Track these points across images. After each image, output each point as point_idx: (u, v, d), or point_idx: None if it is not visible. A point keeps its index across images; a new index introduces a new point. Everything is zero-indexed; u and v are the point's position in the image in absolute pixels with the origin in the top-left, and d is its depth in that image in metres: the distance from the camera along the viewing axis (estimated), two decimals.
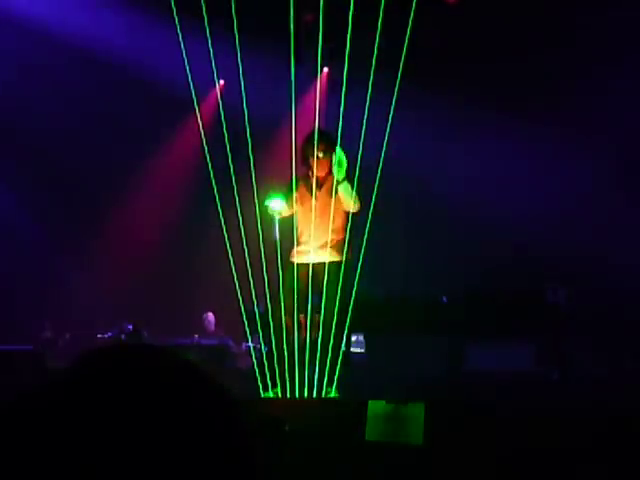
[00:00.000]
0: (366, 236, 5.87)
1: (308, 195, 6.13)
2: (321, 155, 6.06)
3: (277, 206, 6.06)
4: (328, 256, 6.06)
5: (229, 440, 0.85)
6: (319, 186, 6.11)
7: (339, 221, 6.10)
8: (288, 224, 6.17)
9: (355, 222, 6.09)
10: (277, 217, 6.08)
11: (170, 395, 0.83)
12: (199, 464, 0.80)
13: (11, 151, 11.69)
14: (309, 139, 6.10)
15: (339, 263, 5.99)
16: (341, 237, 6.09)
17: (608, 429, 3.98)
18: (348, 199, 5.99)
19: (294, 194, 6.15)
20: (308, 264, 6.05)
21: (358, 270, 5.92)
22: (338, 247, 6.08)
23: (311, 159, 6.10)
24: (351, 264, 6.00)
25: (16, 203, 11.88)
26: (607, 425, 4.01)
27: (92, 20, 11.02)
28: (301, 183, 6.18)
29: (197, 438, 0.82)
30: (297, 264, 6.07)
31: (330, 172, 6.07)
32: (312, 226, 6.08)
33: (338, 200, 6.04)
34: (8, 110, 11.20)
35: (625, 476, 3.81)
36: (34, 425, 0.80)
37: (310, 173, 6.14)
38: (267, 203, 6.05)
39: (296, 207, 6.18)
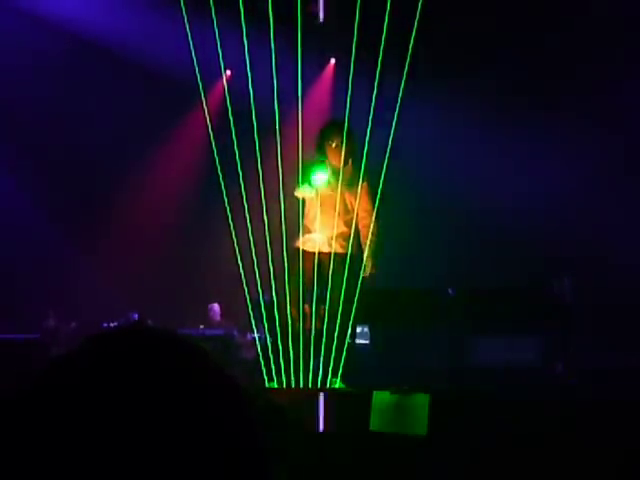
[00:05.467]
0: (372, 228, 5.88)
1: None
2: (334, 145, 6.04)
3: (321, 180, 6.00)
4: (337, 248, 6.06)
5: (237, 429, 0.85)
6: (333, 176, 6.09)
7: (351, 214, 6.09)
8: (293, 210, 6.16)
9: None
10: (307, 195, 6.02)
11: (175, 382, 0.83)
12: (206, 452, 0.80)
13: (11, 134, 11.68)
14: (326, 127, 6.09)
15: (346, 255, 5.99)
16: (350, 230, 6.08)
17: (610, 420, 3.99)
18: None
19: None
20: (314, 253, 6.04)
21: (364, 261, 5.92)
22: (347, 240, 6.07)
23: (327, 147, 6.08)
24: (357, 256, 6.00)
25: (16, 188, 11.86)
26: (609, 416, 4.02)
27: (98, 8, 11.00)
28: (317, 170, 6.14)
29: (203, 426, 0.82)
30: (303, 252, 6.06)
31: (346, 162, 6.07)
32: (323, 215, 6.07)
33: (352, 195, 6.04)
34: (10, 95, 11.20)
35: (625, 465, 3.81)
36: (34, 414, 0.79)
37: (326, 162, 6.13)
38: (313, 176, 5.98)
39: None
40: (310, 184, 5.99)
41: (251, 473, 0.83)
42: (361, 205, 6.08)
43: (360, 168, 5.97)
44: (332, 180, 6.07)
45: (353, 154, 6.07)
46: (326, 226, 6.08)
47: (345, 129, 6.00)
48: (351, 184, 6.06)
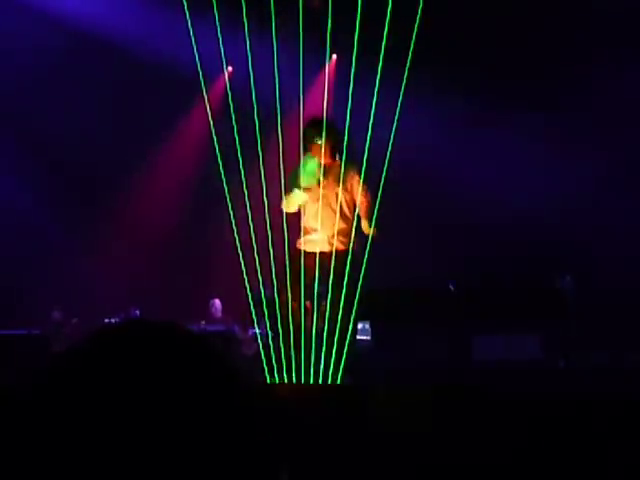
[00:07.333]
0: (373, 224, 5.87)
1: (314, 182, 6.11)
2: (320, 142, 6.03)
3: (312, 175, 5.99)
4: (337, 245, 6.05)
5: (237, 418, 0.85)
6: (324, 174, 6.08)
7: (347, 209, 6.09)
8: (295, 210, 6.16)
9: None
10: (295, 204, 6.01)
11: (176, 374, 0.83)
12: (212, 447, 0.81)
13: (12, 134, 11.67)
14: (307, 126, 6.07)
15: (347, 252, 5.98)
16: (349, 226, 6.07)
17: (613, 416, 3.99)
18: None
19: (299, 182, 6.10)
20: (315, 252, 6.04)
21: (365, 258, 5.92)
22: (346, 236, 6.07)
23: (312, 146, 6.08)
24: (358, 252, 5.98)
25: (17, 187, 11.86)
26: (611, 412, 4.02)
27: (99, 4, 11.00)
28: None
29: (203, 416, 0.82)
30: (304, 252, 6.06)
31: (333, 158, 6.07)
32: (320, 214, 6.07)
33: (345, 189, 6.04)
34: (12, 94, 11.20)
35: (626, 461, 3.82)
36: (39, 409, 0.80)
37: (316, 159, 6.12)
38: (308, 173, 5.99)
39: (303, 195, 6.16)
40: (303, 182, 5.98)
41: (251, 462, 0.83)
42: (358, 197, 6.07)
43: (348, 162, 5.97)
44: (323, 178, 6.07)
45: (339, 150, 6.07)
46: (324, 225, 6.08)
47: (325, 125, 6.00)
48: (342, 180, 6.06)
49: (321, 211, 6.07)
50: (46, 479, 0.77)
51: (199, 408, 0.82)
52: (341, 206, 6.07)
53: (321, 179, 6.05)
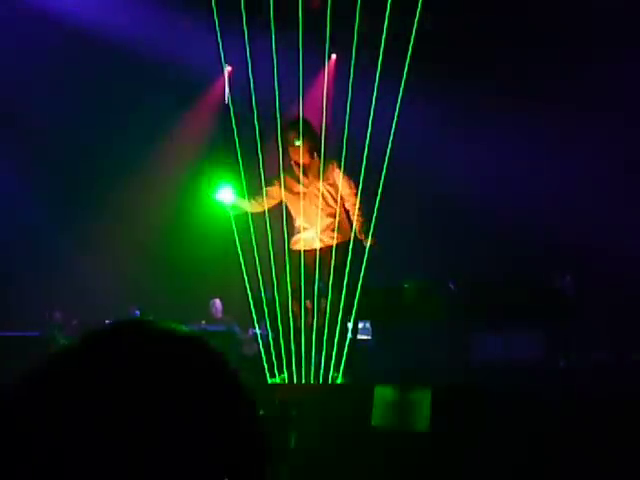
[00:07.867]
0: (373, 223, 5.89)
1: (295, 183, 6.13)
2: (297, 143, 6.05)
3: (228, 198, 5.97)
4: (327, 240, 6.07)
5: (240, 425, 0.85)
6: (305, 173, 6.11)
7: (333, 203, 6.11)
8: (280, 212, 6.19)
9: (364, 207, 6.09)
10: (232, 213, 5.98)
11: (173, 375, 0.83)
12: (212, 447, 0.80)
13: (12, 135, 11.67)
14: (284, 129, 6.09)
15: (339, 245, 6.01)
16: (339, 218, 6.10)
17: (613, 416, 3.99)
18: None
19: (265, 190, 6.13)
20: (309, 250, 6.06)
21: (365, 256, 5.92)
22: (337, 230, 6.09)
23: (289, 148, 6.10)
24: (350, 244, 6.01)
25: (18, 188, 11.86)
26: (611, 412, 4.02)
27: (98, 4, 11.00)
28: (285, 175, 6.15)
29: (209, 422, 0.81)
30: (298, 251, 6.08)
31: (311, 157, 6.09)
32: (307, 212, 6.10)
33: (329, 183, 6.07)
34: (13, 93, 11.20)
35: (623, 459, 3.82)
36: (32, 410, 0.79)
37: (292, 162, 6.15)
38: (216, 196, 5.98)
39: (284, 198, 6.16)
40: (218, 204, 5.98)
41: (251, 462, 0.83)
42: (343, 189, 6.09)
43: (326, 157, 6.01)
44: (304, 177, 6.10)
45: (316, 147, 6.08)
46: (312, 222, 6.11)
47: (298, 126, 6.02)
48: (323, 175, 6.09)
49: (307, 209, 6.11)
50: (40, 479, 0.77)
51: (199, 408, 0.82)
52: (327, 201, 6.10)
53: (301, 178, 6.08)
